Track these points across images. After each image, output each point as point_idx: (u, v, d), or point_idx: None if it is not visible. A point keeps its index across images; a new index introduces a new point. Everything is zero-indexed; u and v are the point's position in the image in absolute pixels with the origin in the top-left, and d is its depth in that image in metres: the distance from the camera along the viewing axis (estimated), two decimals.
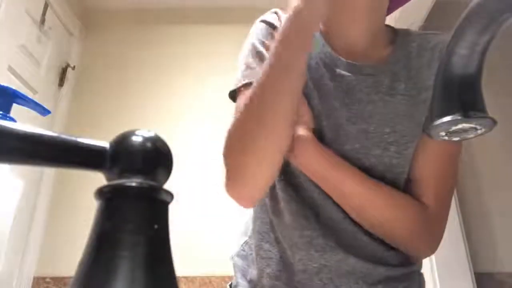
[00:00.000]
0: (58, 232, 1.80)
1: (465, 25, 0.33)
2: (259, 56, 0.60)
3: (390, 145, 0.55)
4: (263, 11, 0.70)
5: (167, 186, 0.27)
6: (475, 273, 1.65)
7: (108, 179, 0.26)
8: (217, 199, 1.82)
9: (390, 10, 0.67)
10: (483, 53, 0.33)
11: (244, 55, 0.62)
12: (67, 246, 1.70)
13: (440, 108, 0.35)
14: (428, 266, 1.66)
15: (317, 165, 0.53)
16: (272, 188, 0.59)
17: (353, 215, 0.55)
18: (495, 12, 0.31)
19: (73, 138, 0.26)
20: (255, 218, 0.63)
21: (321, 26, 0.61)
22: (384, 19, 0.64)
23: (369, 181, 0.54)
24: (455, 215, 1.75)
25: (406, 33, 0.64)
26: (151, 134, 0.27)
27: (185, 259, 1.75)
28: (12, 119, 0.53)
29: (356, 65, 0.58)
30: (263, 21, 0.64)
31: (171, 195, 0.26)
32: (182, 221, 1.73)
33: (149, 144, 0.26)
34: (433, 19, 2.08)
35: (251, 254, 0.63)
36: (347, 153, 0.55)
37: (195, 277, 1.68)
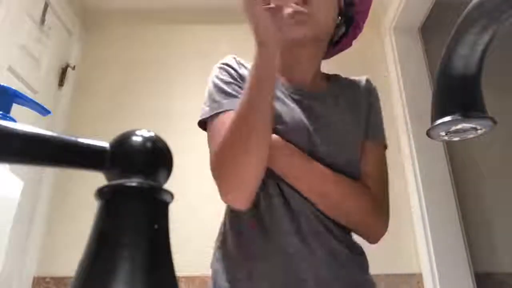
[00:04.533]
0: (58, 232, 1.80)
1: (465, 25, 0.33)
2: (223, 92, 0.74)
3: (348, 146, 0.74)
4: None
5: (167, 186, 0.27)
6: (475, 273, 1.65)
7: (108, 179, 0.26)
8: (217, 199, 1.81)
9: (327, 56, 0.87)
10: (483, 53, 0.33)
11: (209, 93, 0.77)
12: (67, 246, 1.70)
13: (440, 108, 0.35)
14: (428, 266, 1.66)
15: (290, 165, 0.69)
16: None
17: (319, 203, 0.69)
18: (495, 12, 0.31)
19: (73, 138, 0.26)
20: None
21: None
22: (320, 64, 0.84)
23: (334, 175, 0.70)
24: (455, 215, 1.75)
25: (335, 75, 0.87)
26: (151, 134, 0.27)
27: (185, 259, 1.75)
28: (12, 119, 0.53)
29: (306, 92, 0.77)
30: (223, 63, 0.81)
31: (171, 195, 0.26)
32: (182, 221, 1.73)
33: (149, 144, 0.26)
34: (433, 19, 2.08)
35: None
36: (319, 155, 0.71)
37: (195, 277, 1.68)
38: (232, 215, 0.77)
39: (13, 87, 0.55)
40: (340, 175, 0.70)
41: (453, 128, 0.35)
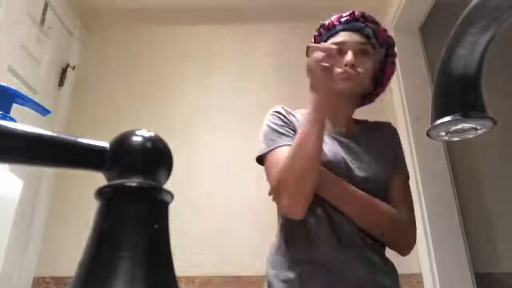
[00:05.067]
0: (58, 232, 1.80)
1: (465, 25, 0.33)
2: (277, 132, 0.92)
3: (377, 176, 0.90)
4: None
5: (167, 186, 0.27)
6: (475, 273, 1.65)
7: (108, 179, 0.26)
8: (217, 199, 1.82)
9: (358, 106, 1.04)
10: (483, 53, 0.33)
11: (264, 134, 0.94)
12: (67, 246, 1.70)
13: (440, 108, 0.35)
14: (428, 266, 1.66)
15: (334, 190, 0.85)
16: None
17: (357, 220, 0.85)
18: (495, 12, 0.31)
19: (73, 138, 0.26)
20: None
21: None
22: (353, 111, 1.02)
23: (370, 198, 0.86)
24: (455, 215, 1.75)
25: (364, 120, 1.05)
26: (151, 134, 0.27)
27: (185, 259, 1.75)
28: (12, 119, 0.53)
29: (343, 133, 0.96)
30: (274, 111, 0.98)
31: (171, 195, 0.26)
32: (182, 221, 1.73)
33: (149, 144, 0.26)
34: (433, 19, 2.08)
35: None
36: (355, 182, 0.87)
37: (195, 277, 1.68)
38: (286, 228, 0.91)
39: (13, 87, 0.55)
40: (375, 198, 0.85)
41: (453, 128, 0.35)
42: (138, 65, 2.18)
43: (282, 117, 0.96)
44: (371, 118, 1.07)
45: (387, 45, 1.00)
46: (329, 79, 0.85)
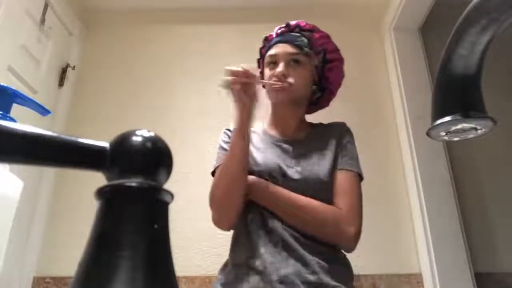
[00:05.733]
0: (58, 232, 1.80)
1: (465, 25, 0.33)
2: (223, 150, 1.00)
3: (316, 176, 0.93)
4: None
5: (167, 186, 0.27)
6: (475, 273, 1.65)
7: (108, 179, 0.26)
8: None
9: (310, 112, 1.09)
10: (483, 53, 0.33)
11: (217, 150, 1.02)
12: (67, 246, 1.70)
13: (440, 108, 0.35)
14: (428, 266, 1.66)
15: (264, 195, 0.90)
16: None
17: (290, 221, 0.88)
18: (495, 12, 0.31)
19: (73, 138, 0.26)
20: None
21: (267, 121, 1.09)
22: (303, 118, 1.07)
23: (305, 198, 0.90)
24: (455, 215, 1.75)
25: (319, 123, 1.09)
26: (151, 134, 0.27)
27: (185, 259, 1.75)
28: (12, 119, 0.53)
29: (288, 139, 1.02)
30: (226, 129, 1.06)
31: (171, 195, 0.26)
32: (182, 221, 1.73)
33: (149, 144, 0.26)
34: (433, 19, 2.08)
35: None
36: (292, 185, 0.91)
37: (195, 277, 1.68)
38: (233, 236, 0.97)
39: (13, 87, 0.55)
40: (307, 198, 0.89)
41: (453, 128, 0.35)
42: (138, 65, 2.18)
43: (230, 133, 1.01)
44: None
45: (324, 51, 1.03)
46: (247, 96, 0.88)
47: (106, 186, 0.24)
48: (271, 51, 1.02)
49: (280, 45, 1.01)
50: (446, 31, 0.36)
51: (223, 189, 0.89)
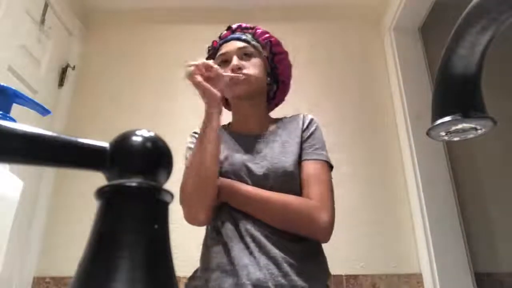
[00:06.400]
0: (58, 232, 1.80)
1: (465, 25, 0.33)
2: (190, 150, 0.97)
3: (282, 170, 0.91)
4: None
5: (167, 186, 0.27)
6: (475, 273, 1.65)
7: (108, 179, 0.26)
8: None
9: (271, 109, 1.11)
10: (483, 53, 0.33)
11: (186, 152, 1.02)
12: (67, 246, 1.70)
13: (440, 108, 0.35)
14: (428, 266, 1.66)
15: (233, 196, 0.89)
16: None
17: (261, 218, 0.87)
18: (495, 12, 0.31)
19: (73, 138, 0.26)
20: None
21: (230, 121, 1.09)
22: (265, 114, 1.08)
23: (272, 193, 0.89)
24: (455, 215, 1.75)
25: (282, 117, 1.08)
26: (151, 134, 0.27)
27: (185, 259, 1.75)
28: (12, 119, 0.53)
29: (251, 136, 1.01)
30: (194, 132, 1.07)
31: (171, 195, 0.26)
32: (182, 221, 1.73)
33: (149, 144, 0.26)
34: (433, 19, 2.08)
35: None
36: (259, 182, 0.90)
37: None
38: (205, 238, 0.97)
39: (13, 87, 0.55)
40: (277, 193, 0.88)
41: (453, 128, 0.35)
42: (138, 64, 2.18)
43: (196, 135, 1.01)
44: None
45: (270, 43, 1.05)
46: (220, 87, 0.90)
47: (106, 186, 0.24)
48: (221, 51, 1.04)
49: (228, 43, 1.04)
50: (446, 31, 0.36)
51: (191, 186, 0.88)
